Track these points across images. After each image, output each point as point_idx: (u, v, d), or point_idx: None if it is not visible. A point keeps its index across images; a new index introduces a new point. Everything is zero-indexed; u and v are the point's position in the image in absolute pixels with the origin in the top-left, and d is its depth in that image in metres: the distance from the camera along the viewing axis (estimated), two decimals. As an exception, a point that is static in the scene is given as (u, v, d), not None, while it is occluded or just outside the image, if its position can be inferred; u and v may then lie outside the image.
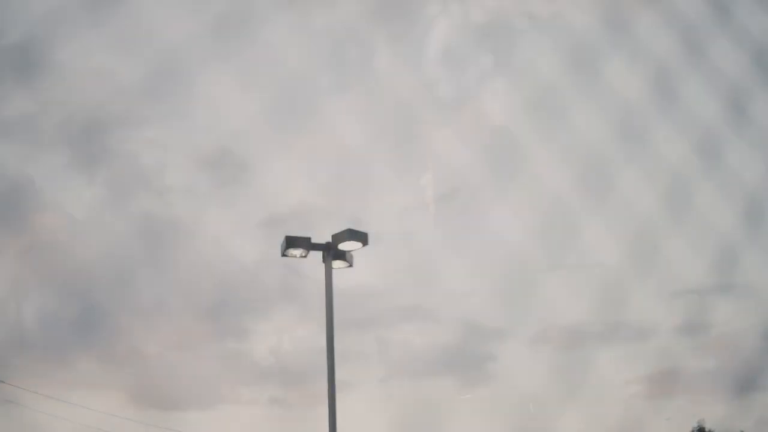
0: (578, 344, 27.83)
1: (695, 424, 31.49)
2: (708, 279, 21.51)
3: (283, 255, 14.27)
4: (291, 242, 14.13)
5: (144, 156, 31.65)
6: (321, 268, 14.40)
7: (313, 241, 14.33)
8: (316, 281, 14.59)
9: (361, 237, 14.21)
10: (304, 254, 14.27)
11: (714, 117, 16.52)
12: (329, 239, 14.33)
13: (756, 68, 16.10)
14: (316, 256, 14.36)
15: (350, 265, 14.54)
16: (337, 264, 14.39)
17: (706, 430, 31.48)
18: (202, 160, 28.33)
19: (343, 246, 14.26)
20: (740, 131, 16.52)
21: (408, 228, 28.41)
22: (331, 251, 14.26)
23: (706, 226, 16.86)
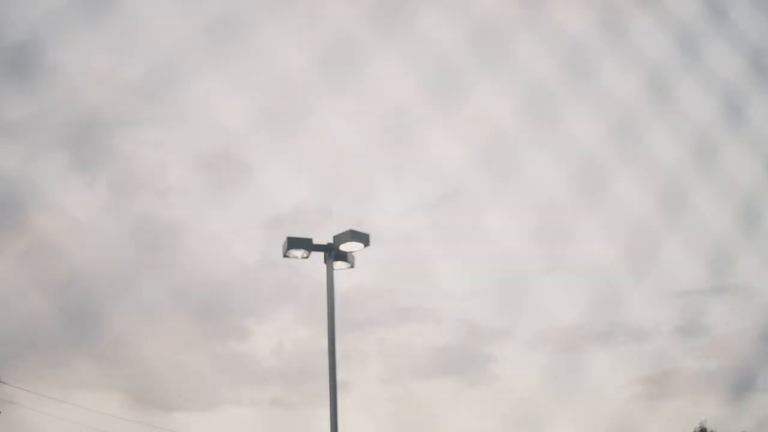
0: (578, 345, 27.92)
1: (697, 425, 31.57)
2: (706, 280, 21.62)
3: (285, 256, 14.34)
4: (293, 243, 14.19)
5: (145, 157, 31.69)
6: (322, 269, 14.47)
7: (315, 242, 14.42)
8: (318, 282, 14.68)
9: (363, 238, 14.27)
10: (305, 255, 14.33)
11: (710, 119, 16.62)
12: (331, 240, 14.40)
13: (752, 70, 16.20)
14: (318, 257, 14.43)
15: (352, 266, 14.60)
16: (338, 265, 14.45)
17: (708, 430, 31.56)
18: (203, 161, 28.38)
19: (345, 247, 14.32)
20: (736, 133, 16.62)
21: (408, 229, 28.49)
22: (333, 252, 14.32)
23: (703, 228, 16.96)
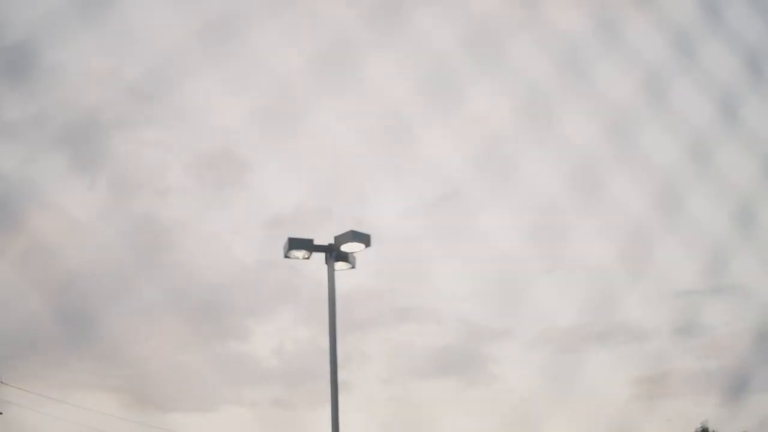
0: (577, 345, 28.01)
1: (699, 425, 31.65)
2: (704, 280, 21.68)
3: (286, 257, 14.37)
4: (294, 244, 14.23)
5: (145, 157, 31.76)
6: (323, 269, 14.50)
7: (316, 242, 14.44)
8: (318, 282, 14.72)
9: (364, 238, 14.31)
10: (306, 256, 14.35)
11: (707, 120, 16.67)
12: (331, 241, 14.44)
13: (748, 71, 16.24)
14: (319, 257, 14.47)
15: (353, 267, 14.63)
16: (339, 265, 14.48)
17: (710, 430, 31.64)
18: (203, 161, 28.44)
19: (346, 247, 14.35)
20: (733, 134, 16.66)
21: (408, 229, 28.55)
22: (334, 253, 14.36)
23: (701, 228, 17.01)
